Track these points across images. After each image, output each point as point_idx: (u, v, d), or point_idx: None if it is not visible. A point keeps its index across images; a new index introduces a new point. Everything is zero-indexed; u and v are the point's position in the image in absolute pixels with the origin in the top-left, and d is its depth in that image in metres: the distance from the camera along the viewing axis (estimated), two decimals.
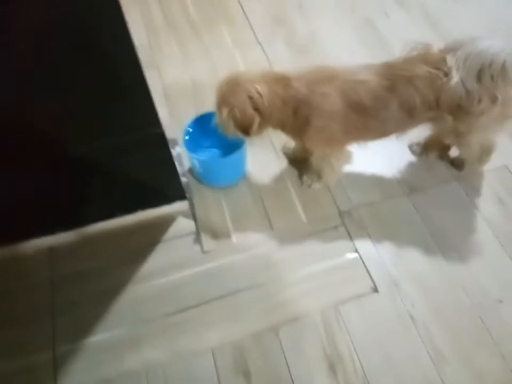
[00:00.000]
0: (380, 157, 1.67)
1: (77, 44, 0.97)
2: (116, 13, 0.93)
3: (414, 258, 1.45)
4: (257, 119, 1.28)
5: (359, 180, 1.64)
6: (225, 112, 1.29)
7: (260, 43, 2.14)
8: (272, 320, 1.36)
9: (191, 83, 1.99)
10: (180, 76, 2.03)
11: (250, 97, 1.25)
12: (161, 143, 1.32)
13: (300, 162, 1.66)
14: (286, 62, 2.03)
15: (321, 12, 2.25)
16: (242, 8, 2.31)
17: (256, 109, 1.27)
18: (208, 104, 1.41)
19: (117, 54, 1.02)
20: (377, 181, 1.64)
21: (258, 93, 1.25)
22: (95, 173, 1.37)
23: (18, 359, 1.34)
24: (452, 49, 1.24)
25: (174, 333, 1.36)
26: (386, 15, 2.19)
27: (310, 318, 1.35)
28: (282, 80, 1.28)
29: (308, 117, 1.30)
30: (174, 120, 1.85)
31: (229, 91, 1.29)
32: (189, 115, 1.65)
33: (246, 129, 1.30)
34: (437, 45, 1.30)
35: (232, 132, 1.34)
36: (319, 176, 1.58)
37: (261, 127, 1.32)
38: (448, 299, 1.37)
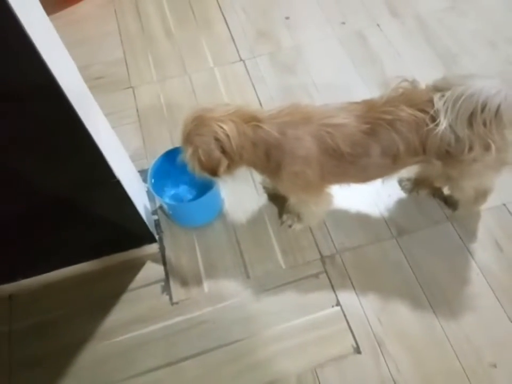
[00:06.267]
0: (366, 193, 1.53)
1: None
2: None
3: (401, 313, 1.32)
4: (224, 162, 1.16)
5: (343, 219, 1.50)
6: (189, 152, 1.17)
7: (242, 60, 1.99)
8: None
9: (167, 105, 1.86)
10: (156, 96, 1.89)
11: (217, 139, 1.13)
12: (119, 191, 1.21)
13: (280, 198, 1.52)
14: (269, 83, 1.89)
15: (309, 22, 2.08)
16: (224, 18, 2.15)
17: (224, 151, 1.14)
18: None
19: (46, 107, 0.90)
20: (363, 221, 1.50)
21: (226, 134, 1.12)
22: (57, 218, 1.27)
23: None
24: (440, 88, 1.08)
25: None
26: (378, 27, 2.02)
27: (286, 383, 1.24)
28: (252, 121, 1.15)
29: (280, 162, 1.18)
30: (149, 149, 1.73)
31: (194, 129, 1.15)
32: (164, 143, 1.52)
33: (212, 171, 1.18)
34: (424, 82, 1.15)
35: (199, 172, 1.21)
36: (299, 217, 1.45)
37: (230, 168, 1.20)
38: (437, 362, 1.24)
